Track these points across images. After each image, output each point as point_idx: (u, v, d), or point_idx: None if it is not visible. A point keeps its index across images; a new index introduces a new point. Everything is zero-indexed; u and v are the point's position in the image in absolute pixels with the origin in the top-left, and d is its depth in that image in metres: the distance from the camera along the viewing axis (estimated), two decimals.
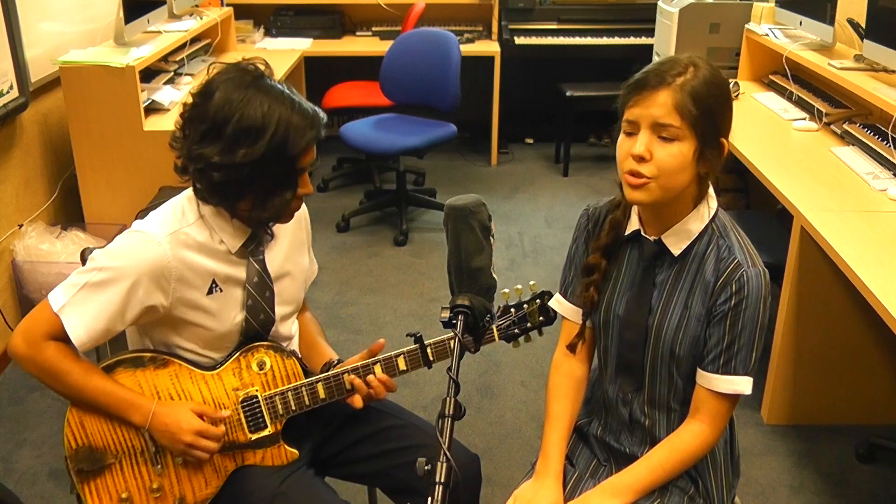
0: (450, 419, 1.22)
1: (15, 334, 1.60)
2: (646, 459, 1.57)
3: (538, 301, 1.80)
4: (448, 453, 1.17)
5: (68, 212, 3.63)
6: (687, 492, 1.60)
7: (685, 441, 1.55)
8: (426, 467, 1.18)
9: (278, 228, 1.73)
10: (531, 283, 1.81)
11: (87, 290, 1.56)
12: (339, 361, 1.81)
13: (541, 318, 1.80)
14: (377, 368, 1.70)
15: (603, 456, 1.70)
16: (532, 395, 3.00)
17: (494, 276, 1.38)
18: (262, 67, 1.57)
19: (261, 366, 1.69)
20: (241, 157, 1.49)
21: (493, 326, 1.77)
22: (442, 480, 1.16)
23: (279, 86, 1.55)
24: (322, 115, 1.59)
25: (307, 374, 1.72)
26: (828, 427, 2.82)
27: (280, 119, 1.50)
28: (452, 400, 1.24)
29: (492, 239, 1.36)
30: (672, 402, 1.59)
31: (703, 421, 1.54)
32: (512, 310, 1.80)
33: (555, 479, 1.61)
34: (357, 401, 1.71)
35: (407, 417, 1.86)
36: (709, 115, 1.42)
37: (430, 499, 1.15)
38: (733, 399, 1.53)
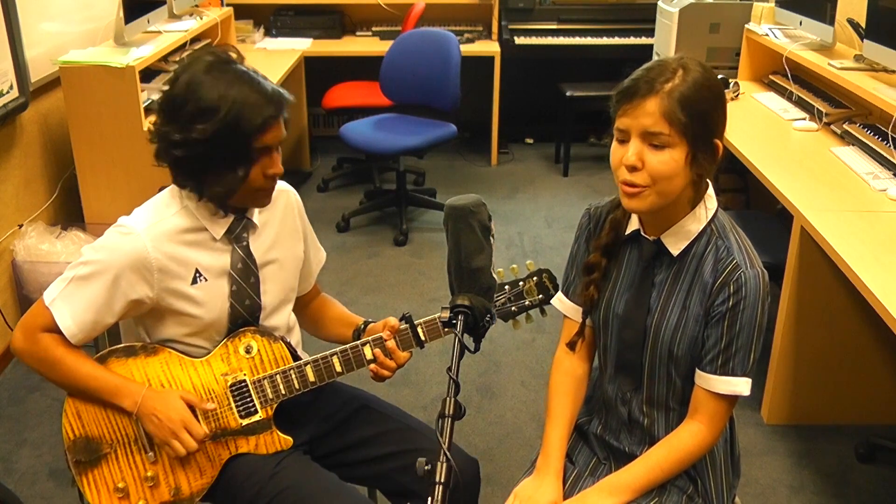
0: (450, 419, 1.22)
1: (15, 330, 1.68)
2: (644, 459, 1.57)
3: (535, 278, 1.79)
4: (448, 453, 1.17)
5: (68, 212, 3.63)
6: (686, 491, 1.60)
7: (683, 441, 1.55)
8: (426, 467, 1.18)
9: (265, 216, 1.75)
10: (528, 262, 1.81)
11: (74, 283, 1.63)
12: (367, 323, 1.87)
13: (539, 295, 1.79)
14: (366, 349, 1.71)
15: (602, 454, 1.70)
16: (532, 395, 3.00)
17: (494, 276, 1.38)
18: (231, 54, 1.62)
19: (248, 350, 1.71)
20: (197, 134, 1.55)
21: None
22: (442, 480, 1.16)
23: (242, 68, 1.60)
24: (287, 96, 1.63)
25: (296, 358, 1.74)
26: (828, 427, 2.82)
27: (235, 99, 1.54)
28: (452, 400, 1.24)
29: (492, 239, 1.36)
30: (671, 402, 1.59)
31: (701, 421, 1.54)
32: (506, 287, 1.79)
33: (555, 476, 1.61)
34: (380, 370, 1.73)
35: (406, 420, 1.86)
36: (699, 118, 1.41)
37: (430, 499, 1.16)
38: (731, 400, 1.53)
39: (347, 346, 1.72)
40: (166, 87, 1.60)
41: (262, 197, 1.67)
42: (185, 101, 1.55)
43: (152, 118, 1.66)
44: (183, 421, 1.63)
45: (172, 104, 1.57)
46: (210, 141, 1.54)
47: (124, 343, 1.71)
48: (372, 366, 1.73)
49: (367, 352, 1.72)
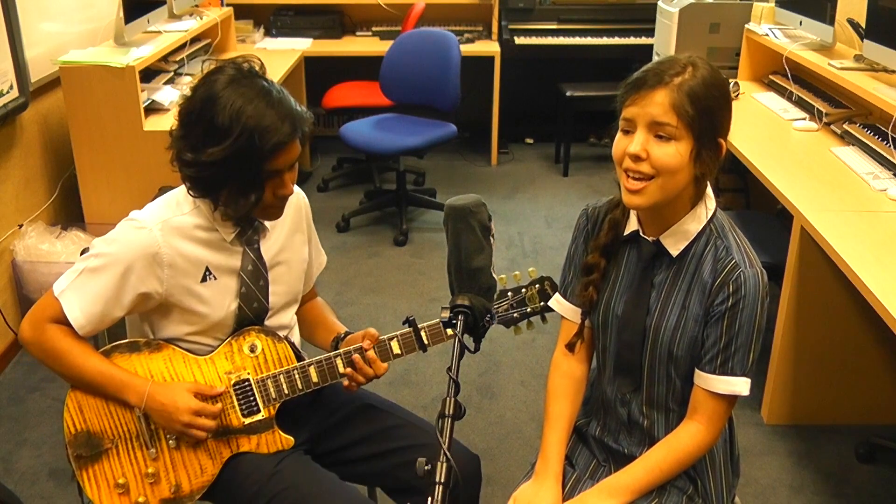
0: (450, 419, 1.22)
1: (23, 321, 1.67)
2: (643, 460, 1.57)
3: (537, 285, 1.80)
4: (448, 453, 1.17)
5: (68, 212, 3.63)
6: (685, 491, 1.60)
7: (682, 442, 1.54)
8: (426, 467, 1.19)
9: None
10: (530, 269, 1.81)
11: (84, 275, 1.62)
12: (348, 333, 1.83)
13: (541, 302, 1.80)
14: (370, 352, 1.71)
15: (602, 456, 1.70)
16: (532, 395, 3.00)
17: (494, 276, 1.38)
18: (255, 66, 1.59)
19: (252, 349, 1.71)
20: (206, 157, 1.53)
21: None
22: (442, 480, 1.16)
23: (265, 84, 1.56)
24: (307, 116, 1.59)
25: (300, 359, 1.74)
26: (828, 427, 2.82)
27: (248, 122, 1.50)
28: (452, 400, 1.24)
29: (492, 239, 1.36)
30: (670, 403, 1.59)
31: (700, 422, 1.53)
32: (509, 293, 1.80)
33: (554, 479, 1.61)
34: (356, 376, 1.72)
35: (407, 417, 1.86)
36: (706, 115, 1.42)
37: (430, 499, 1.16)
38: (731, 400, 1.53)
39: (351, 348, 1.72)
40: (186, 96, 1.58)
41: (273, 214, 1.67)
42: (199, 118, 1.53)
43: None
44: (191, 409, 1.62)
45: (188, 121, 1.56)
46: (221, 165, 1.53)
47: (128, 339, 1.72)
48: (348, 369, 1.71)
49: (341, 364, 1.72)
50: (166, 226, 1.62)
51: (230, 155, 1.51)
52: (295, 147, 1.58)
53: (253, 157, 1.52)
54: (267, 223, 1.72)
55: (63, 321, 1.63)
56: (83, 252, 1.69)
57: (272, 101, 1.54)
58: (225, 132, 1.51)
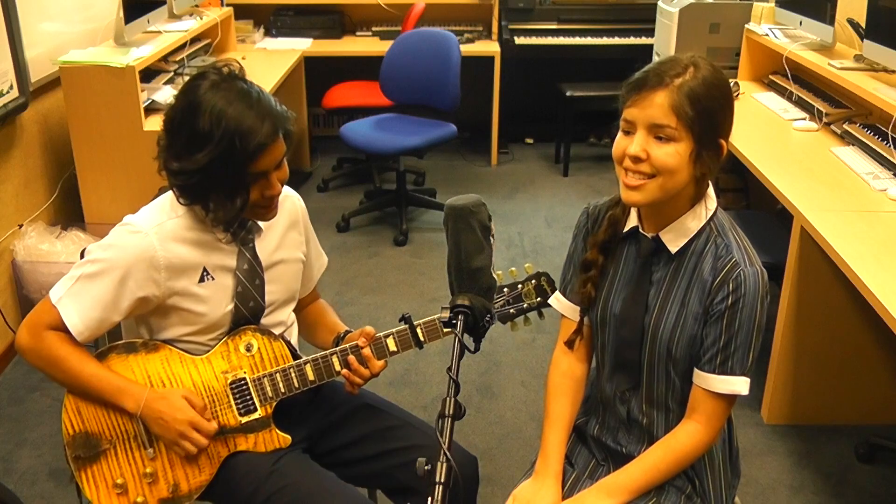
0: (450, 419, 1.22)
1: (20, 328, 1.67)
2: (641, 459, 1.57)
3: (534, 281, 1.80)
4: (448, 453, 1.18)
5: (68, 212, 3.63)
6: (684, 491, 1.60)
7: (681, 441, 1.54)
8: (426, 467, 1.19)
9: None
10: (526, 265, 1.81)
11: (81, 281, 1.62)
12: (348, 332, 1.84)
13: (538, 298, 1.80)
14: (366, 350, 1.72)
15: (601, 455, 1.70)
16: (532, 395, 3.00)
17: (494, 276, 1.38)
18: (234, 69, 1.59)
19: (248, 348, 1.71)
20: (191, 164, 1.54)
21: None
22: (442, 480, 1.16)
23: (244, 86, 1.56)
24: (289, 115, 1.60)
25: (296, 356, 1.74)
26: (828, 427, 2.82)
27: (229, 124, 1.51)
28: (452, 400, 1.24)
29: (492, 239, 1.37)
30: (670, 402, 1.59)
31: (699, 421, 1.53)
32: (505, 289, 1.80)
33: (554, 479, 1.61)
34: (352, 377, 1.72)
35: (406, 417, 1.87)
36: (706, 116, 1.42)
37: (429, 499, 1.16)
38: (730, 399, 1.53)
39: (347, 346, 1.72)
40: (169, 106, 1.60)
41: (266, 215, 1.68)
42: (181, 125, 1.54)
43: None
44: (190, 421, 1.63)
45: (171, 126, 1.57)
46: (205, 170, 1.53)
47: (125, 340, 1.72)
48: (344, 371, 1.72)
49: (366, 350, 1.72)
50: (161, 229, 1.63)
51: (214, 159, 1.52)
52: (278, 147, 1.58)
53: (236, 160, 1.53)
54: (262, 223, 1.73)
55: (61, 328, 1.63)
56: (81, 256, 1.69)
57: (251, 103, 1.54)
58: (207, 137, 1.51)
